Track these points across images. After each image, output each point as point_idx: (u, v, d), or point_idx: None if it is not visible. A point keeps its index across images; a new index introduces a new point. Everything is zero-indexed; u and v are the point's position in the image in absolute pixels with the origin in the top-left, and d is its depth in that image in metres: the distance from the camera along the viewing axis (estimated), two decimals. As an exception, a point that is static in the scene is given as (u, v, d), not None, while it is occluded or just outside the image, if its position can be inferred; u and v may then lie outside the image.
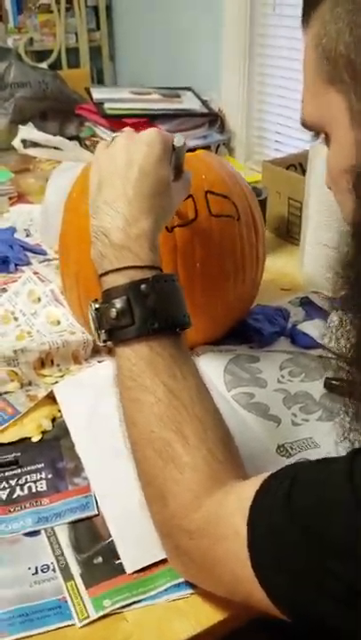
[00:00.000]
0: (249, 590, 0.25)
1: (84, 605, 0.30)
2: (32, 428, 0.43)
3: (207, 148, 0.91)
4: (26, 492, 0.37)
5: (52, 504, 0.36)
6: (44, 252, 0.68)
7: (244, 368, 0.47)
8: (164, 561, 0.32)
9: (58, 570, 0.32)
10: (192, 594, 0.31)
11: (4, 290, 0.59)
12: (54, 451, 0.40)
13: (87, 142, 0.94)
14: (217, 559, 0.27)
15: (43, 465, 0.39)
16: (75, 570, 0.32)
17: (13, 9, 1.61)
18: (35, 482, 0.38)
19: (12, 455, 0.40)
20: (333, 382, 0.43)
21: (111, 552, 0.33)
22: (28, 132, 0.85)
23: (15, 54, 1.09)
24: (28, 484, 0.38)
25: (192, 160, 0.45)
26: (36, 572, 0.32)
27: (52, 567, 0.33)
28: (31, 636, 0.29)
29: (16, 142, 0.84)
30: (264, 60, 0.96)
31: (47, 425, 0.43)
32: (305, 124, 0.28)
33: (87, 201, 0.34)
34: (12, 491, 0.37)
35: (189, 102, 0.97)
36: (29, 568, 0.33)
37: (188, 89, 1.01)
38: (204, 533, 0.27)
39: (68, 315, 0.52)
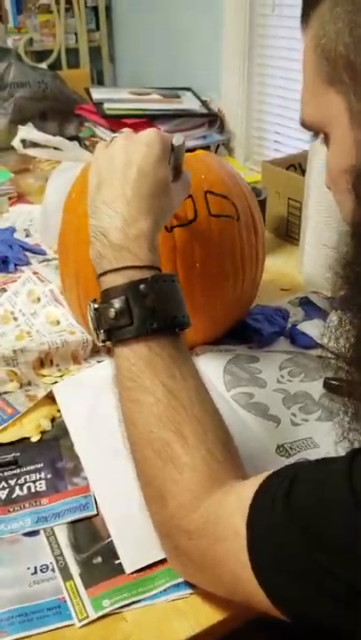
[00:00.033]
0: (248, 590, 0.25)
1: (84, 605, 0.30)
2: (31, 428, 0.43)
3: (207, 148, 0.91)
4: (25, 492, 0.37)
5: (52, 504, 0.36)
6: (43, 252, 0.68)
7: (243, 368, 0.47)
8: (163, 561, 0.32)
9: (57, 570, 0.32)
10: (191, 594, 0.31)
11: (4, 290, 0.59)
12: (53, 451, 0.40)
13: (87, 142, 0.94)
14: (216, 559, 0.27)
15: (42, 465, 0.39)
16: (74, 570, 0.32)
17: (13, 9, 1.61)
18: (34, 482, 0.38)
19: (12, 455, 0.40)
20: (333, 382, 0.43)
21: (110, 552, 0.33)
22: (27, 132, 0.85)
23: (15, 54, 1.09)
24: (27, 484, 0.38)
25: (191, 160, 0.45)
26: (36, 572, 0.32)
27: (51, 567, 0.33)
28: (30, 635, 0.29)
29: (15, 142, 0.84)
30: (264, 60, 0.96)
31: (46, 425, 0.43)
32: (304, 125, 0.28)
33: (86, 201, 0.34)
34: (12, 491, 0.37)
35: (189, 103, 0.97)
36: (28, 568, 0.32)
37: (188, 89, 1.02)
38: (203, 533, 0.27)
39: (67, 315, 0.52)
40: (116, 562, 0.32)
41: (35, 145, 0.84)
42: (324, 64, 0.24)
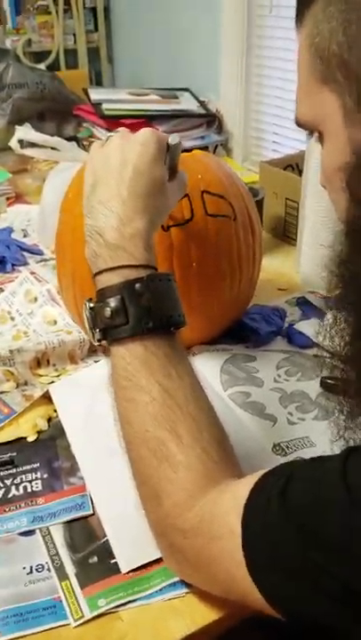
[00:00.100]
0: (243, 589, 0.25)
1: (79, 605, 0.30)
2: (28, 427, 0.42)
3: (205, 148, 0.92)
4: (21, 491, 0.37)
5: (48, 504, 0.36)
6: (41, 253, 0.68)
7: (240, 367, 0.47)
8: (159, 560, 0.32)
9: (53, 569, 0.32)
10: (187, 593, 0.31)
11: (1, 290, 0.59)
12: (50, 450, 0.40)
13: (85, 143, 0.94)
14: (212, 558, 0.27)
15: (38, 465, 0.39)
16: (70, 569, 0.32)
17: (12, 10, 1.62)
18: (30, 481, 0.38)
19: (8, 455, 0.40)
20: (329, 381, 0.43)
21: (106, 551, 0.33)
22: (24, 132, 0.85)
23: (13, 55, 1.09)
24: (23, 484, 0.38)
25: (188, 160, 0.45)
26: (31, 572, 0.32)
27: (46, 567, 0.32)
28: (25, 635, 0.29)
29: (13, 143, 0.84)
30: (261, 61, 0.97)
31: (43, 425, 0.43)
32: (299, 123, 0.28)
33: (82, 201, 0.34)
34: (8, 490, 0.37)
35: (187, 103, 0.98)
36: (24, 568, 0.32)
37: (186, 90, 1.02)
38: (198, 532, 0.27)
39: (64, 314, 0.52)
40: (112, 561, 0.32)
41: (32, 145, 0.84)
42: (318, 63, 0.25)
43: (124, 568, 0.32)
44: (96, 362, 0.48)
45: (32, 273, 0.61)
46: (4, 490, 0.37)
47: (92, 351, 0.49)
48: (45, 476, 0.38)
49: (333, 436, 0.28)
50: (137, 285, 0.30)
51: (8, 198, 0.81)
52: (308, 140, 0.28)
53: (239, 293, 0.48)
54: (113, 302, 0.30)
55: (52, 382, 0.46)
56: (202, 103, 0.98)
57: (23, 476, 0.38)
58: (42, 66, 1.32)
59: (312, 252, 0.58)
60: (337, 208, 0.27)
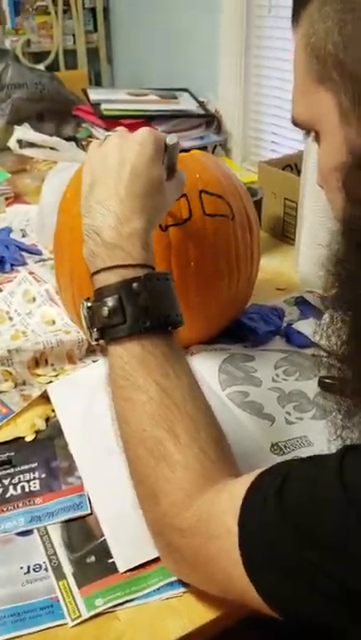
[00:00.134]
0: (240, 588, 0.25)
1: (76, 605, 0.30)
2: (26, 427, 0.42)
3: (204, 148, 0.92)
4: (19, 491, 0.37)
5: (45, 503, 0.36)
6: (39, 253, 0.68)
7: (238, 367, 0.47)
8: (156, 560, 0.32)
9: (50, 569, 0.32)
10: (185, 592, 0.31)
11: (0, 290, 0.59)
12: (48, 450, 0.40)
13: (84, 143, 0.94)
14: (209, 557, 0.27)
15: (36, 464, 0.39)
16: (67, 569, 0.32)
17: (11, 10, 1.62)
18: (28, 481, 0.38)
19: (6, 455, 0.40)
20: (327, 380, 0.43)
21: (104, 551, 0.33)
22: (23, 132, 0.85)
23: (12, 56, 1.09)
24: (21, 484, 0.38)
25: (187, 160, 0.45)
26: (29, 572, 0.32)
27: (44, 566, 0.32)
28: (22, 635, 0.29)
29: (11, 143, 0.84)
30: (260, 61, 0.97)
31: (41, 424, 0.43)
32: (296, 123, 0.28)
33: (80, 201, 0.34)
34: (5, 490, 0.37)
35: (186, 103, 0.98)
36: (21, 567, 0.32)
37: (185, 90, 1.02)
38: (195, 532, 0.27)
39: (62, 314, 0.52)
40: (110, 561, 0.32)
41: (31, 145, 0.84)
42: (314, 62, 0.25)
43: (121, 567, 0.32)
44: (94, 362, 0.48)
45: (31, 273, 0.61)
46: (1, 490, 0.37)
47: (91, 351, 0.49)
48: (43, 475, 0.38)
49: (331, 436, 0.28)
50: (134, 285, 0.30)
51: (7, 198, 0.81)
52: (307, 140, 0.28)
53: (237, 293, 0.48)
54: (110, 301, 0.30)
55: (51, 382, 0.46)
56: (201, 103, 0.98)
57: (21, 476, 0.38)
58: (41, 66, 1.32)
59: (310, 251, 0.58)
60: (333, 207, 0.27)
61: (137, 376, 0.30)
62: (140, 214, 0.32)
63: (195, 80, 1.07)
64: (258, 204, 0.63)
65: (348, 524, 0.22)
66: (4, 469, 0.39)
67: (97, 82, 1.63)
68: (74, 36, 1.63)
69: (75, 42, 1.63)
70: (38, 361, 0.48)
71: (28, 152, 0.84)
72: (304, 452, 0.38)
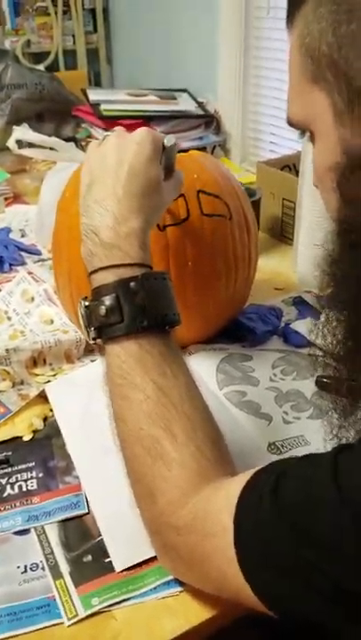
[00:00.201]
0: (236, 586, 0.25)
1: (73, 604, 0.30)
2: (23, 427, 0.43)
3: (203, 149, 0.92)
4: (16, 490, 0.37)
5: (43, 503, 0.36)
6: (38, 252, 0.68)
7: (236, 367, 0.47)
8: (153, 559, 0.32)
9: (47, 568, 0.32)
10: (181, 591, 0.31)
11: (-2, 289, 0.59)
12: (45, 450, 0.40)
13: (83, 143, 0.94)
14: (205, 556, 0.27)
15: (34, 464, 0.39)
16: (64, 568, 0.32)
17: (11, 11, 1.62)
18: (25, 480, 0.38)
19: (3, 454, 0.40)
20: (324, 380, 0.43)
21: (101, 550, 0.33)
22: (22, 132, 0.85)
23: (12, 56, 1.09)
24: (18, 483, 0.38)
25: (185, 160, 0.45)
26: (25, 571, 0.32)
27: (41, 566, 0.32)
28: (19, 634, 0.29)
29: (10, 143, 0.84)
30: (259, 62, 0.97)
31: (38, 424, 0.43)
32: (291, 123, 0.28)
33: (79, 200, 0.34)
34: (3, 489, 0.37)
35: (185, 104, 0.98)
36: (18, 567, 0.32)
37: (184, 91, 1.02)
38: (191, 530, 0.27)
39: (61, 314, 0.52)
40: (107, 560, 0.32)
41: (31, 145, 0.84)
42: (308, 63, 0.25)
43: (118, 567, 0.32)
44: (92, 361, 0.48)
45: (29, 273, 0.61)
46: (-1, 489, 0.37)
47: (89, 351, 0.49)
48: (41, 475, 0.38)
49: (327, 435, 0.29)
50: (132, 284, 0.30)
51: (6, 198, 0.81)
52: (303, 140, 0.29)
53: (235, 293, 0.48)
54: (108, 301, 0.30)
55: (48, 382, 0.46)
56: (200, 104, 0.98)
57: (18, 475, 0.38)
58: (41, 67, 1.33)
59: (309, 251, 0.58)
60: (328, 207, 0.27)
61: (134, 375, 0.30)
62: (137, 214, 0.32)
63: (194, 81, 1.08)
64: (256, 205, 0.63)
65: (342, 524, 0.22)
66: (2, 469, 0.39)
67: (96, 82, 1.63)
68: (73, 36, 1.63)
69: (74, 42, 1.63)
70: (36, 360, 0.48)
71: (27, 152, 0.84)
72: (301, 452, 0.38)
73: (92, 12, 1.62)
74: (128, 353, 0.30)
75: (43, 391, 0.45)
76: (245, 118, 1.01)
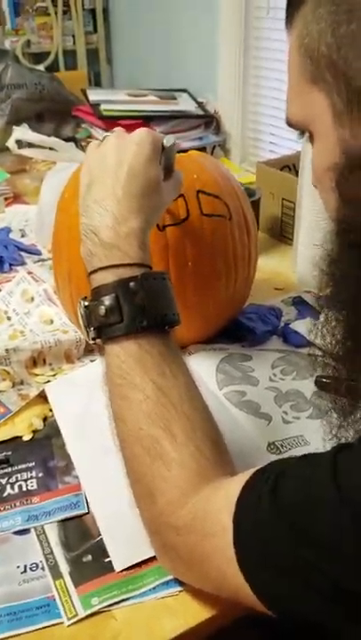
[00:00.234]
0: (235, 586, 0.25)
1: (73, 604, 0.30)
2: (23, 427, 0.43)
3: (203, 149, 0.92)
4: (16, 490, 0.37)
5: (42, 502, 0.36)
6: (38, 252, 0.68)
7: (236, 366, 0.47)
8: (153, 559, 0.32)
9: (47, 568, 0.32)
10: (181, 591, 0.31)
11: (-2, 289, 0.59)
12: (45, 449, 0.40)
13: (83, 143, 0.94)
14: (204, 555, 0.27)
15: (33, 464, 0.39)
16: (64, 568, 0.32)
17: (11, 11, 1.62)
18: (25, 480, 0.38)
19: (3, 454, 0.40)
20: (323, 380, 0.43)
21: (100, 550, 0.33)
22: (21, 132, 0.85)
23: (12, 56, 1.10)
24: (18, 483, 0.38)
25: (184, 160, 0.45)
26: (25, 571, 0.32)
27: (40, 565, 0.32)
28: (19, 634, 0.29)
29: (10, 143, 0.84)
30: (259, 62, 0.97)
31: (38, 424, 0.43)
32: (290, 123, 0.28)
33: (78, 200, 0.34)
34: (3, 489, 0.37)
35: (185, 104, 0.98)
36: (18, 567, 0.32)
37: (184, 91, 1.02)
38: (191, 530, 0.27)
39: (60, 314, 0.53)
40: (106, 560, 0.32)
41: (30, 146, 0.84)
42: (307, 63, 0.25)
43: (117, 567, 0.32)
44: (92, 361, 0.49)
45: (29, 273, 0.61)
46: (-1, 489, 0.37)
47: (89, 351, 0.50)
48: (40, 475, 0.38)
49: (326, 435, 0.29)
50: (131, 284, 0.30)
51: (6, 198, 0.81)
52: (302, 141, 0.29)
53: (235, 293, 0.48)
54: (107, 301, 0.30)
55: (48, 382, 0.46)
56: (200, 104, 0.98)
57: (18, 475, 0.38)
58: (41, 67, 1.33)
59: (308, 251, 0.58)
60: (327, 208, 0.27)
61: (134, 375, 0.30)
62: (137, 214, 0.32)
63: (194, 81, 1.08)
64: (256, 205, 0.63)
65: (342, 524, 0.22)
66: (2, 468, 0.39)
67: (96, 82, 1.64)
68: (73, 36, 1.63)
69: (74, 42, 1.63)
70: (36, 360, 0.48)
71: (26, 152, 0.84)
72: (301, 451, 0.38)
73: (92, 12, 1.63)
74: (127, 353, 0.30)
75: (43, 391, 0.45)
76: (245, 118, 1.01)
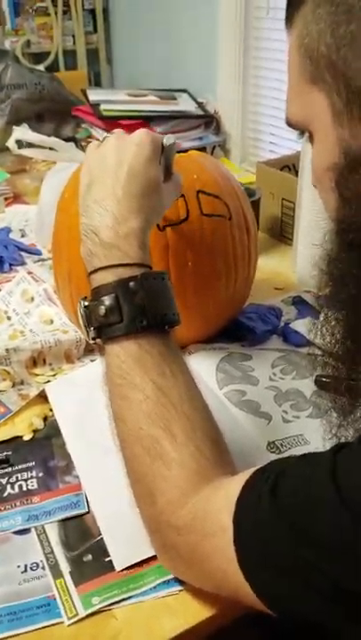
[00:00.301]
0: (235, 585, 0.25)
1: (73, 603, 0.30)
2: (23, 426, 0.43)
3: (203, 149, 0.92)
4: (16, 490, 0.37)
5: (43, 502, 0.36)
6: (38, 252, 0.69)
7: (236, 366, 0.47)
8: (153, 558, 0.32)
9: (47, 567, 0.32)
10: (181, 591, 0.31)
11: (-2, 289, 0.59)
12: (45, 449, 0.41)
13: (83, 143, 0.94)
14: (204, 555, 0.27)
15: (34, 463, 0.39)
16: (64, 567, 0.32)
17: (11, 11, 1.62)
18: (25, 480, 0.38)
19: (4, 454, 0.40)
20: (323, 379, 0.43)
21: (101, 549, 0.33)
22: (21, 132, 0.85)
23: (12, 56, 1.10)
24: (18, 483, 0.38)
25: (184, 160, 0.45)
26: (26, 570, 0.32)
27: (41, 565, 0.33)
28: (19, 634, 0.29)
29: (10, 143, 0.84)
30: (258, 62, 0.97)
31: (39, 424, 0.43)
32: (290, 123, 0.28)
33: (78, 200, 0.34)
34: (3, 489, 0.37)
35: (185, 104, 0.98)
36: (19, 566, 0.33)
37: (184, 91, 1.02)
38: (191, 529, 0.27)
39: (60, 314, 0.53)
40: (107, 559, 0.33)
41: (31, 145, 0.84)
42: (307, 63, 0.25)
43: (118, 566, 0.32)
44: (92, 361, 0.49)
45: (29, 273, 0.61)
46: (-1, 488, 0.37)
47: (89, 350, 0.50)
48: (41, 474, 0.38)
49: (326, 434, 0.29)
50: (131, 284, 0.30)
51: (6, 198, 0.81)
52: (302, 141, 0.29)
53: (235, 293, 0.48)
54: (107, 300, 0.30)
55: (48, 381, 0.46)
56: (200, 104, 0.98)
57: (19, 475, 0.38)
58: (41, 67, 1.33)
59: (308, 251, 0.58)
60: (327, 207, 0.27)
61: (133, 375, 0.30)
62: (137, 214, 0.32)
63: (194, 81, 1.08)
64: (256, 205, 0.63)
65: (342, 524, 0.22)
66: (2, 468, 0.39)
67: (96, 82, 1.64)
68: (73, 36, 1.63)
69: (74, 43, 1.63)
70: (36, 360, 0.48)
71: (26, 152, 0.84)
72: (300, 451, 0.38)
73: (92, 12, 1.63)
74: (127, 353, 0.30)
75: (43, 391, 0.45)
76: (245, 118, 1.01)
